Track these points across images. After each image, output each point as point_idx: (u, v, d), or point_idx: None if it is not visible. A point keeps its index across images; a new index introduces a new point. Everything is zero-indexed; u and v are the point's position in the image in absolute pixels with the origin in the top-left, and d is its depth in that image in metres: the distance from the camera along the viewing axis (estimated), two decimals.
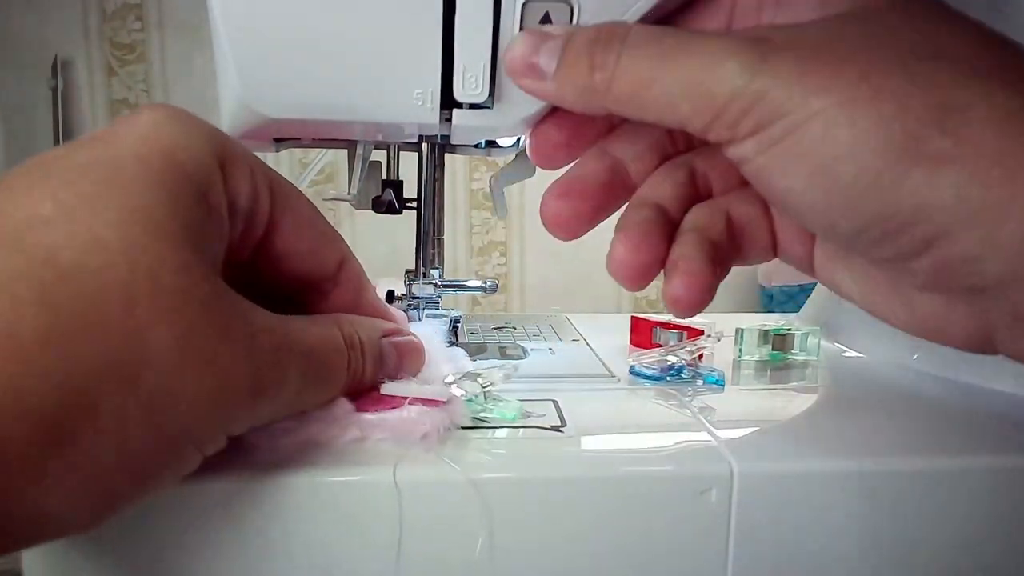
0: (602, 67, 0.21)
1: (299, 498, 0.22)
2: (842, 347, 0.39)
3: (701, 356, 0.33)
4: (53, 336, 0.15)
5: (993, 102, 0.17)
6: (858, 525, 0.24)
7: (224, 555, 0.22)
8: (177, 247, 0.17)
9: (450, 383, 0.26)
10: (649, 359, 0.32)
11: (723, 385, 0.31)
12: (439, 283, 0.36)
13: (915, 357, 0.35)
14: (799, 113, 0.18)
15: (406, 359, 0.26)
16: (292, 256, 0.24)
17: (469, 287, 0.36)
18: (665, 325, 0.36)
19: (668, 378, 0.32)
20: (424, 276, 0.36)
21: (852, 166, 0.17)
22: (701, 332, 0.34)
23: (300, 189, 0.24)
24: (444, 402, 0.25)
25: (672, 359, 0.32)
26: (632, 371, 0.32)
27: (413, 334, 0.28)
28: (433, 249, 0.36)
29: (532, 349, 0.37)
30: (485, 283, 0.35)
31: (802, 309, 0.45)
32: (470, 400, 0.26)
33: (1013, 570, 0.25)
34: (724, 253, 0.22)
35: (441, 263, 0.36)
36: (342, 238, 0.26)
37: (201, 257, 0.18)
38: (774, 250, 0.24)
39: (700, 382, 0.31)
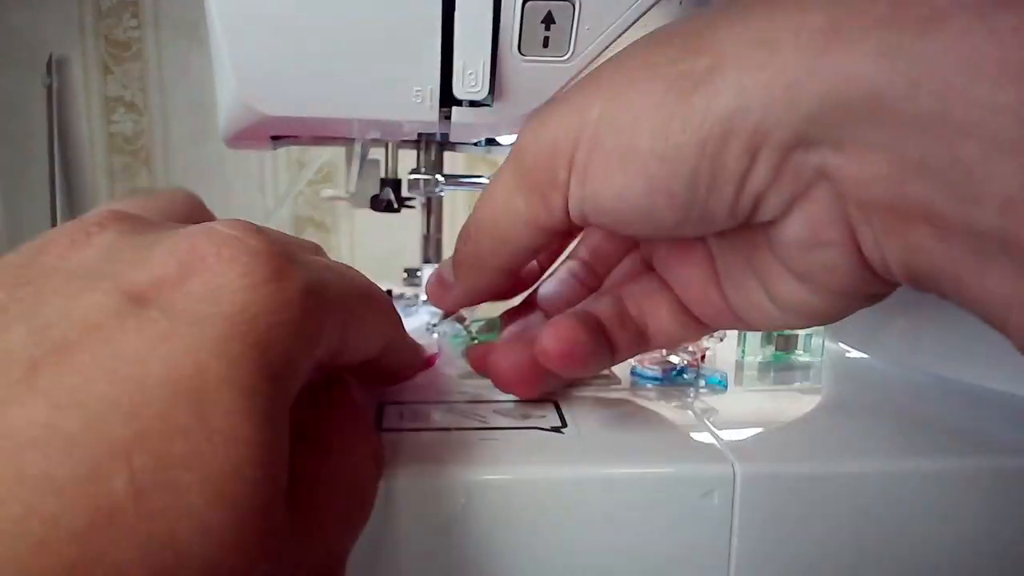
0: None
1: None
2: (845, 347, 0.38)
3: (703, 357, 0.33)
4: None
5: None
6: (861, 526, 0.24)
7: None
8: (264, 517, 0.13)
9: (434, 327, 0.29)
10: (651, 360, 0.32)
11: (726, 386, 0.31)
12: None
13: (918, 357, 0.35)
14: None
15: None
16: (345, 363, 0.20)
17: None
18: None
19: (670, 379, 0.31)
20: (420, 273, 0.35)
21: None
22: None
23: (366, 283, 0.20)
24: (437, 355, 0.27)
25: (674, 360, 0.32)
26: (634, 372, 0.32)
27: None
28: (432, 251, 0.36)
29: None
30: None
31: None
32: (455, 337, 0.28)
33: (1015, 571, 0.25)
34: (606, 329, 0.26)
35: (440, 261, 0.36)
36: (395, 318, 0.23)
37: (280, 514, 0.14)
38: (683, 322, 0.27)
39: (703, 383, 0.31)
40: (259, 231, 0.16)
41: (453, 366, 0.28)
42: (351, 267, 0.20)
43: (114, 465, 0.12)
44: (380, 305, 0.21)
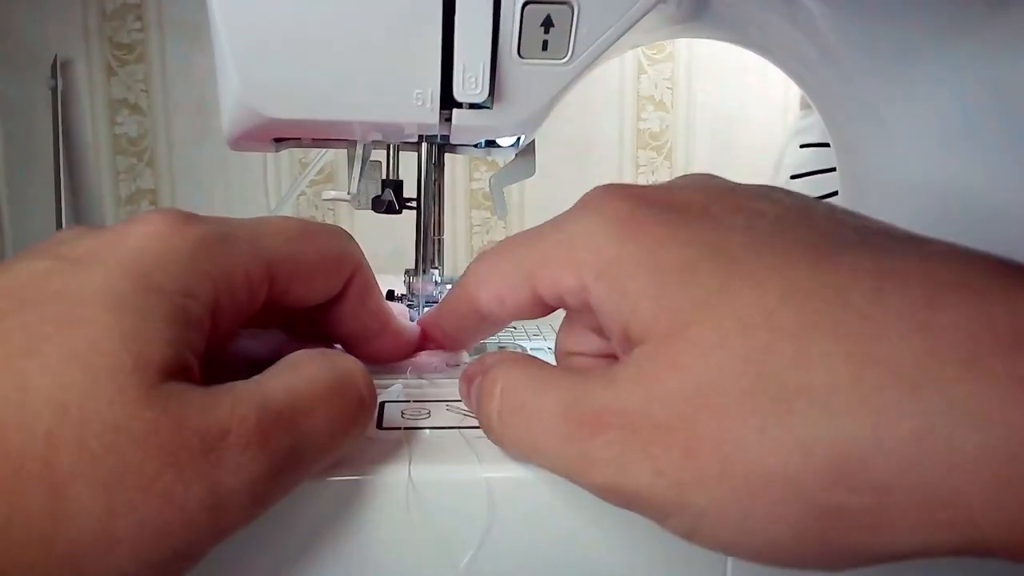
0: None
1: (302, 498, 0.22)
2: None
3: None
4: None
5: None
6: None
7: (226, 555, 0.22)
8: (118, 377, 0.16)
9: None
10: None
11: None
12: (439, 281, 0.36)
13: None
14: None
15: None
16: (296, 300, 0.24)
17: None
18: None
19: None
20: (424, 273, 0.36)
21: None
22: None
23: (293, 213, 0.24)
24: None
25: None
26: None
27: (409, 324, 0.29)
28: (433, 248, 0.36)
29: (532, 349, 0.36)
30: None
31: None
32: None
33: (1013, 571, 0.25)
34: None
35: (441, 262, 0.36)
36: (354, 246, 0.25)
37: (151, 376, 0.17)
38: None
39: None
40: (176, 210, 0.20)
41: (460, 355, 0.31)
42: (306, 229, 0.23)
43: None
44: (319, 236, 0.24)
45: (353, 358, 0.22)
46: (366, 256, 0.26)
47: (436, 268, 0.36)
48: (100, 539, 0.15)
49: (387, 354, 0.28)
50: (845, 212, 0.20)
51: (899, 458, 0.14)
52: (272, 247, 0.22)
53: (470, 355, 0.34)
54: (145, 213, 0.20)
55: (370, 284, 0.26)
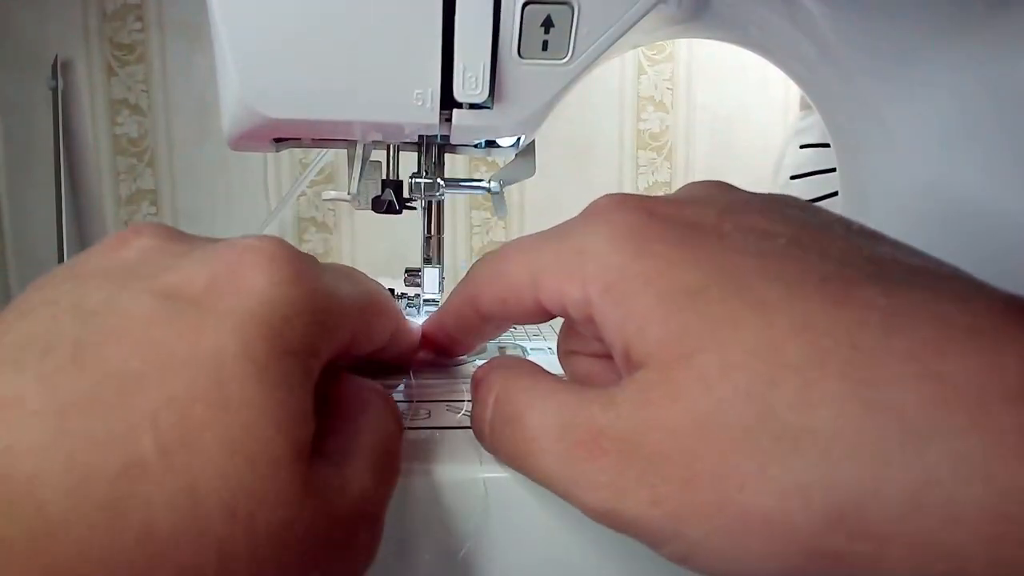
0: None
1: None
2: None
3: None
4: None
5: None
6: None
7: None
8: (280, 471, 0.15)
9: None
10: None
11: None
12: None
13: None
14: None
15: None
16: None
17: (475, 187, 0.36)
18: None
19: None
20: (428, 262, 0.36)
21: None
22: None
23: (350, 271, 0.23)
24: None
25: None
26: None
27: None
28: (432, 251, 0.36)
29: (532, 349, 0.37)
30: (490, 184, 0.36)
31: None
32: None
33: None
34: None
35: (441, 261, 0.37)
36: (396, 308, 0.26)
37: (303, 465, 0.16)
38: None
39: None
40: (280, 242, 0.18)
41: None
42: (357, 271, 0.23)
43: (143, 426, 0.14)
44: (385, 305, 0.24)
45: (390, 399, 0.22)
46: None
47: (438, 266, 0.36)
48: None
49: (396, 361, 0.29)
50: (861, 233, 0.20)
51: (899, 508, 0.14)
52: (355, 305, 0.21)
53: (470, 355, 0.34)
54: (250, 240, 0.18)
55: (410, 334, 0.27)
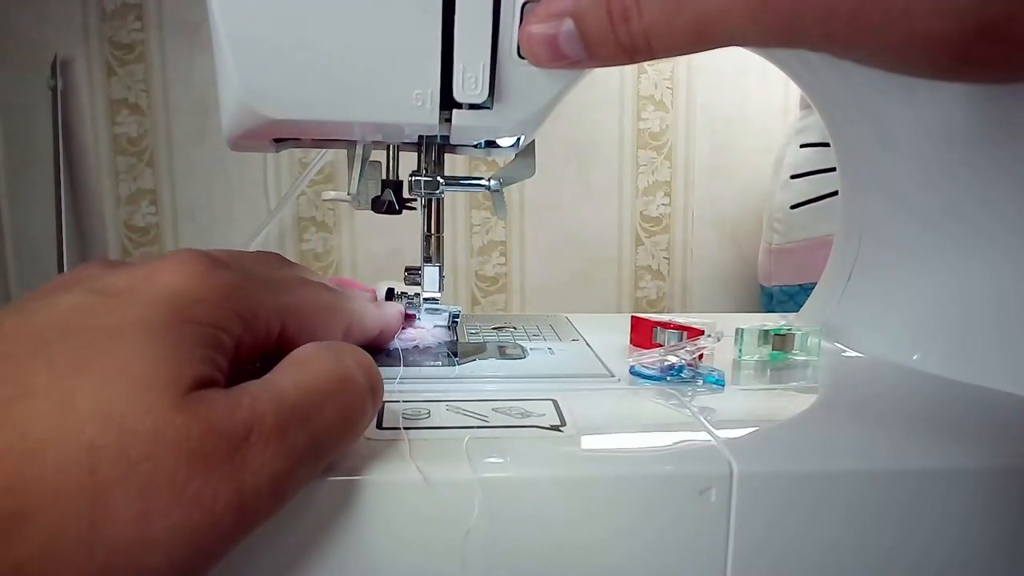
0: (628, 32, 0.23)
1: (302, 498, 0.22)
2: (842, 347, 0.39)
3: (701, 356, 0.33)
4: (10, 525, 0.15)
5: None
6: (857, 525, 0.24)
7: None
8: (159, 391, 0.17)
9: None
10: (649, 359, 0.32)
11: (723, 385, 0.31)
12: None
13: (915, 357, 0.35)
14: None
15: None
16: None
17: (476, 185, 0.36)
18: (665, 325, 0.36)
19: (668, 378, 0.32)
20: (428, 260, 0.36)
21: None
22: (701, 332, 0.34)
23: (318, 278, 0.27)
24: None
25: (672, 359, 0.32)
26: (632, 371, 0.32)
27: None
28: (433, 247, 0.36)
29: (532, 349, 0.37)
30: (489, 182, 0.36)
31: (802, 309, 0.45)
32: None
33: (1012, 571, 0.25)
34: None
35: (441, 260, 0.36)
36: (348, 302, 0.28)
37: (182, 388, 0.18)
38: None
39: (700, 382, 0.31)
40: (198, 254, 0.22)
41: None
42: (298, 279, 0.26)
43: (38, 367, 0.17)
44: (323, 309, 0.26)
45: (359, 349, 0.23)
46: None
47: (438, 264, 0.36)
48: (136, 545, 0.16)
49: (383, 342, 0.32)
50: None
51: None
52: (283, 303, 0.24)
53: (454, 333, 0.35)
54: (173, 253, 0.22)
55: (366, 328, 0.29)
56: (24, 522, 0.15)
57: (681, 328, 0.35)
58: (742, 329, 0.35)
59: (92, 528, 0.16)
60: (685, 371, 0.32)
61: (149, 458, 0.16)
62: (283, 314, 0.23)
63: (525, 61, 0.28)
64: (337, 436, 0.21)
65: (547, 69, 0.27)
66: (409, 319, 0.36)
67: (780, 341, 0.35)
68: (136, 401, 0.17)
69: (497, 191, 0.36)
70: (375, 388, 0.22)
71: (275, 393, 0.19)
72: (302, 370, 0.21)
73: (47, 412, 0.16)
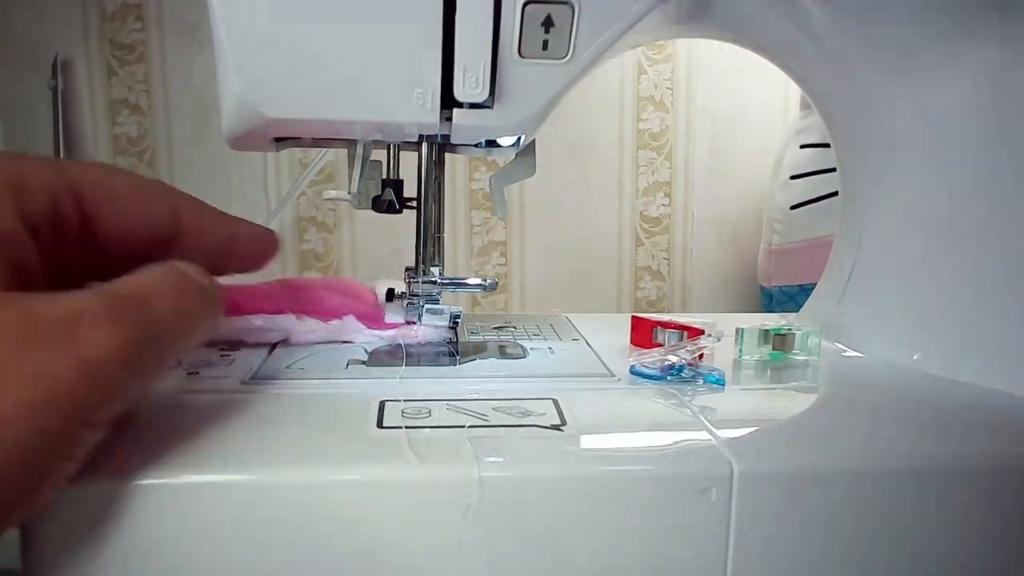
0: None
1: (300, 497, 0.22)
2: (842, 347, 0.39)
3: (701, 356, 0.33)
4: None
5: None
6: (857, 525, 0.24)
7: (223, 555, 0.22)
8: None
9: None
10: (649, 359, 0.32)
11: (723, 385, 0.31)
12: (439, 280, 0.36)
13: (915, 357, 0.35)
14: None
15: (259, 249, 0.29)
16: (122, 234, 0.25)
17: (469, 285, 0.36)
18: (666, 325, 0.36)
19: (668, 378, 0.32)
20: (424, 274, 0.36)
21: None
22: (701, 332, 0.34)
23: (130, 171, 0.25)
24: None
25: (672, 359, 0.32)
26: (632, 371, 0.32)
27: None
28: (433, 247, 0.36)
29: (532, 349, 0.37)
30: (485, 281, 0.35)
31: (802, 309, 0.45)
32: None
33: (1012, 571, 0.25)
34: None
35: (441, 261, 0.36)
36: (174, 190, 0.26)
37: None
38: None
39: (700, 382, 0.31)
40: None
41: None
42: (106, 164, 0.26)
43: None
44: (125, 179, 0.25)
45: (195, 265, 0.24)
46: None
47: (436, 266, 0.36)
48: None
49: (251, 260, 0.29)
50: None
51: None
52: (74, 169, 0.23)
53: (453, 325, 0.35)
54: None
55: (200, 205, 0.27)
56: None
57: (681, 328, 0.35)
58: (742, 329, 0.35)
59: None
60: (685, 371, 0.32)
61: None
62: (73, 185, 0.23)
63: (526, 60, 0.28)
64: (178, 325, 0.22)
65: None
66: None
67: (780, 341, 0.35)
68: None
69: (498, 191, 0.36)
70: (209, 288, 0.24)
71: (106, 289, 0.21)
72: (138, 274, 0.22)
73: None
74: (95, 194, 0.24)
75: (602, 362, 0.35)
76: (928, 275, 0.36)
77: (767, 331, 0.35)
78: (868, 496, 0.24)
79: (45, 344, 0.18)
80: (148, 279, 0.22)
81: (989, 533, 0.25)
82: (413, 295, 0.36)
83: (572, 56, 0.28)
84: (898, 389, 0.33)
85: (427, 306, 0.36)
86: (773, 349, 0.35)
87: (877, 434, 0.27)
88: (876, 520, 0.25)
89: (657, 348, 0.34)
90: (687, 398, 0.30)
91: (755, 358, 0.36)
